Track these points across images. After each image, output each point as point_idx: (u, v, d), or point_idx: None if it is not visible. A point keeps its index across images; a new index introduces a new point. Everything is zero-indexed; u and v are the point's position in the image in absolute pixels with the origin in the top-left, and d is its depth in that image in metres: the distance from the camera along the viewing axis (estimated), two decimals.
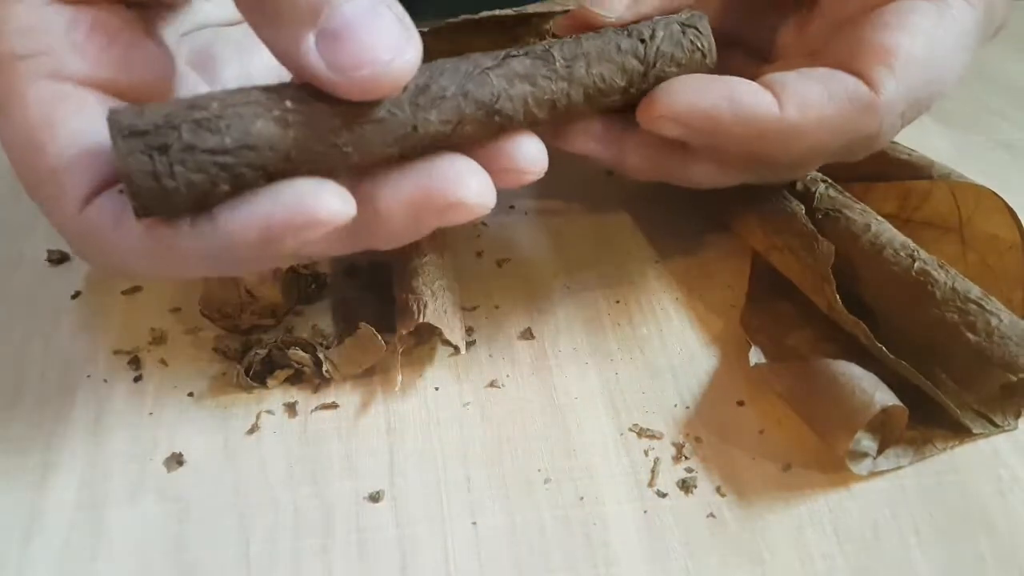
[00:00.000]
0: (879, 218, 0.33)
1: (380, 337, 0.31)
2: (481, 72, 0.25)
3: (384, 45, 0.21)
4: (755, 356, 0.31)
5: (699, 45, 0.28)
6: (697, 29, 0.29)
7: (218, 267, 0.24)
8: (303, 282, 0.34)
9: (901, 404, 0.28)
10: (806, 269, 0.32)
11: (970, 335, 0.29)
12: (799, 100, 0.27)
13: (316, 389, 0.31)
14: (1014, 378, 0.29)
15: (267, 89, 0.22)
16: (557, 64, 0.26)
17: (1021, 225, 0.33)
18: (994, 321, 0.29)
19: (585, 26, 0.28)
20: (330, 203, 0.22)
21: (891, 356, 0.29)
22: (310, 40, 0.21)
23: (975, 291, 0.30)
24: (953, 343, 0.29)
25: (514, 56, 0.25)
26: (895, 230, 0.32)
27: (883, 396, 0.28)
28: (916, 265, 0.31)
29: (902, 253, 0.31)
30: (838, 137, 0.28)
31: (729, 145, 0.29)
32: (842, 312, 0.30)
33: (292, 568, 0.26)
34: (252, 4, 0.22)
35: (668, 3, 0.29)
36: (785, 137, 0.28)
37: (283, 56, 0.22)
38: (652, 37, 0.28)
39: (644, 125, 0.29)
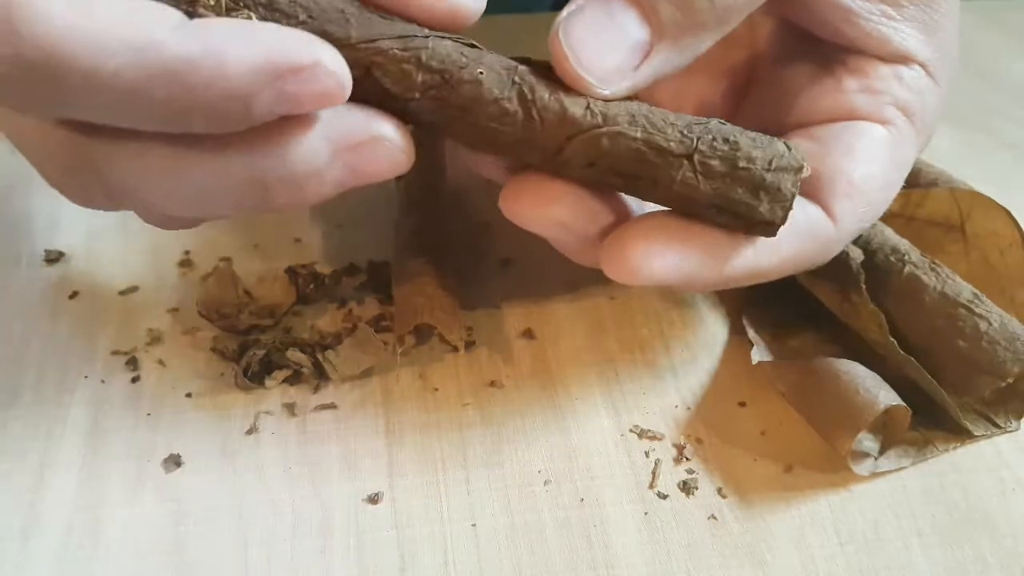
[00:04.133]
0: (878, 223, 0.33)
1: (379, 337, 0.31)
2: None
3: None
4: (757, 355, 0.31)
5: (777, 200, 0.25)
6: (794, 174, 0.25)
7: (172, 105, 0.21)
8: (302, 282, 0.34)
9: (904, 404, 0.28)
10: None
11: (959, 341, 0.29)
12: (771, 246, 0.26)
13: (315, 390, 0.31)
14: (1002, 383, 0.28)
15: None
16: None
17: (1018, 222, 0.32)
18: (983, 326, 0.29)
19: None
20: (337, 62, 0.21)
21: (900, 352, 0.29)
22: None
23: (966, 293, 0.29)
24: (944, 349, 0.29)
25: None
26: (888, 233, 0.32)
27: (887, 396, 0.28)
28: (906, 270, 0.30)
29: (892, 258, 0.31)
30: (796, 268, 0.28)
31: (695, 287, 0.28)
32: (864, 303, 0.30)
33: (290, 569, 0.26)
34: None
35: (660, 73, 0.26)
36: (753, 277, 0.27)
37: None
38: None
39: (606, 267, 0.26)
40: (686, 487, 0.28)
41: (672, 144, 0.24)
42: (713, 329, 0.34)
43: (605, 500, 0.28)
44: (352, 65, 0.22)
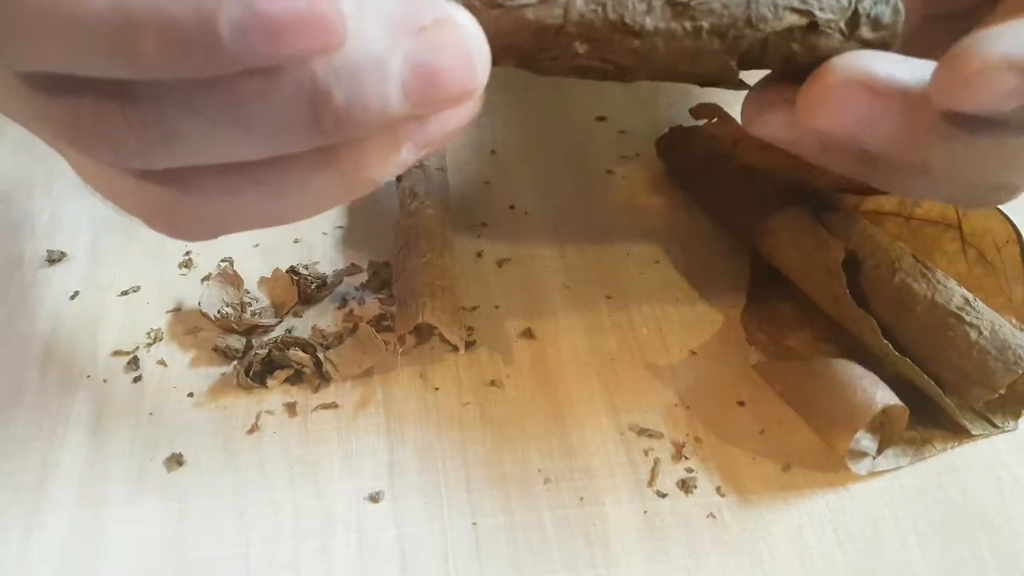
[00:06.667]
0: (869, 229, 0.32)
1: (380, 337, 0.31)
2: None
3: None
4: (755, 354, 0.31)
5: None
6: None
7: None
8: (303, 282, 0.34)
9: (902, 404, 0.28)
10: (812, 265, 0.32)
11: (950, 352, 0.29)
12: None
13: (316, 389, 0.31)
14: (994, 395, 0.28)
15: None
16: None
17: (1011, 219, 0.33)
18: (973, 335, 0.28)
19: None
20: (467, 17, 0.19)
21: (895, 353, 0.29)
22: None
23: (957, 299, 0.29)
24: (937, 358, 0.29)
25: None
26: (880, 239, 0.32)
27: (884, 395, 0.28)
28: (896, 278, 0.30)
29: (883, 266, 0.31)
30: None
31: None
32: (850, 307, 0.30)
33: (292, 568, 0.26)
34: None
35: None
36: None
37: None
38: None
39: (939, 94, 0.21)
40: (685, 486, 0.28)
41: None
42: (711, 328, 0.34)
43: (604, 499, 0.28)
44: None
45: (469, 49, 0.19)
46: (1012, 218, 0.33)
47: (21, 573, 0.26)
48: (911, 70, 0.23)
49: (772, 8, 0.24)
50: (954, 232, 0.34)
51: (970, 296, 0.29)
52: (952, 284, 0.30)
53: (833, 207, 0.33)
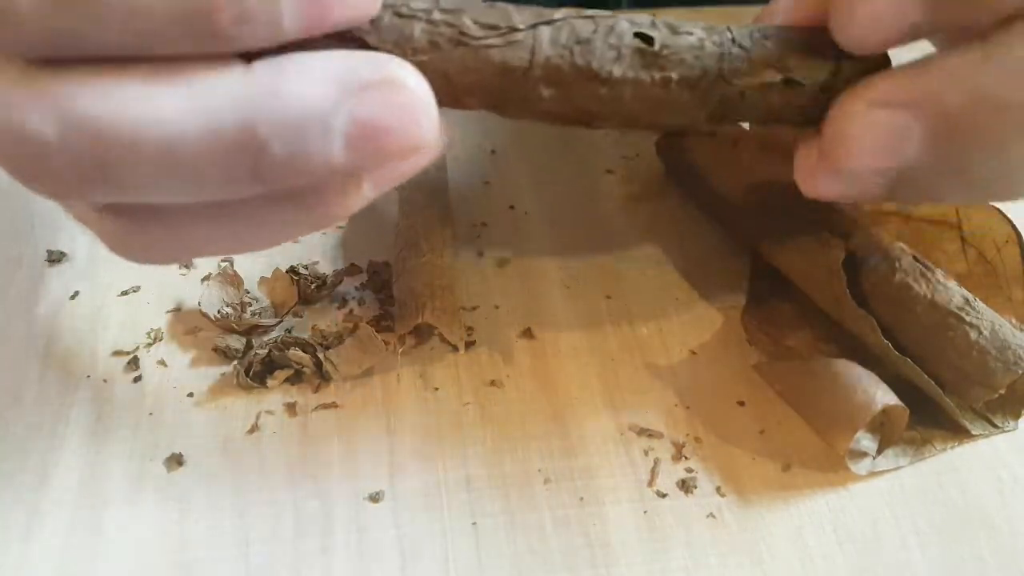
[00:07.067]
0: (869, 229, 0.32)
1: (380, 337, 0.31)
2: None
3: None
4: (755, 354, 0.31)
5: None
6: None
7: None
8: (303, 282, 0.34)
9: (902, 404, 0.28)
10: (812, 265, 0.32)
11: (950, 352, 0.29)
12: None
13: (316, 389, 0.31)
14: (994, 395, 0.28)
15: None
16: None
17: (1011, 219, 0.33)
18: (973, 335, 0.28)
19: None
20: (415, 78, 0.20)
21: (895, 353, 0.29)
22: None
23: (956, 299, 0.29)
24: (937, 359, 0.29)
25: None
26: (880, 238, 0.32)
27: (884, 395, 0.28)
28: (896, 278, 0.30)
29: (883, 266, 0.31)
30: None
31: None
32: (850, 307, 0.30)
33: (292, 568, 0.26)
34: None
35: None
36: None
37: None
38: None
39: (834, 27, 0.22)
40: (685, 486, 0.28)
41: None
42: (711, 328, 0.34)
43: (604, 499, 0.28)
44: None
45: (415, 108, 0.20)
46: (1012, 218, 0.33)
47: (21, 573, 0.26)
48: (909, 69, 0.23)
49: (747, 62, 0.23)
50: (954, 232, 0.34)
51: (970, 296, 0.29)
52: (952, 284, 0.30)
53: (833, 207, 0.33)
